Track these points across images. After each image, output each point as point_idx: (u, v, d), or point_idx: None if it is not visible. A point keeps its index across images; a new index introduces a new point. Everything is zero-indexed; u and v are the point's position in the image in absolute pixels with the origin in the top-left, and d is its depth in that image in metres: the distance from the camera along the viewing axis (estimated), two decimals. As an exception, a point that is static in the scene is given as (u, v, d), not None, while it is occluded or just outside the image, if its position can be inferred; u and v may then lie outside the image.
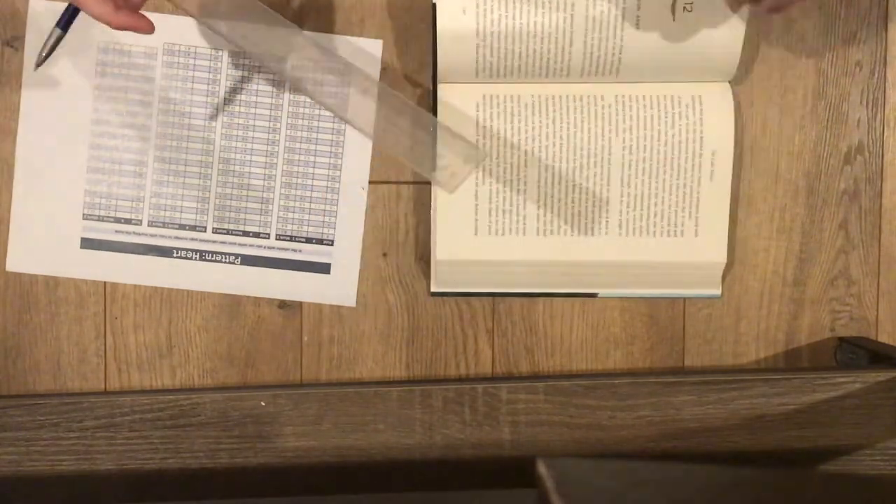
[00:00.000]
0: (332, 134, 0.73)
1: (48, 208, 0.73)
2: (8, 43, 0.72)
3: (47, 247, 0.73)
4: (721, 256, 0.73)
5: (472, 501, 0.72)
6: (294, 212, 0.74)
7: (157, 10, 0.72)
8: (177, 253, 0.73)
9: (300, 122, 0.73)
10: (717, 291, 0.75)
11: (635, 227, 0.72)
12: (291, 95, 0.73)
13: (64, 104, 0.72)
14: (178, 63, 0.73)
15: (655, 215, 0.72)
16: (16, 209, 0.73)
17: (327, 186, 0.74)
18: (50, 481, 0.69)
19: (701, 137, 0.72)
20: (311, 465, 0.69)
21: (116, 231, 0.73)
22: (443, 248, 0.72)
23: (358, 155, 0.74)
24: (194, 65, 0.73)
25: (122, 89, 0.73)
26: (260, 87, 0.73)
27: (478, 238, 0.72)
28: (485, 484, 0.71)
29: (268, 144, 0.73)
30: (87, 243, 0.73)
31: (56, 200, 0.73)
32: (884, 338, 0.76)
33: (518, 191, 0.72)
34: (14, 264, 0.73)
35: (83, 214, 0.73)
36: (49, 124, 0.72)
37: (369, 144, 0.73)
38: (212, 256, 0.73)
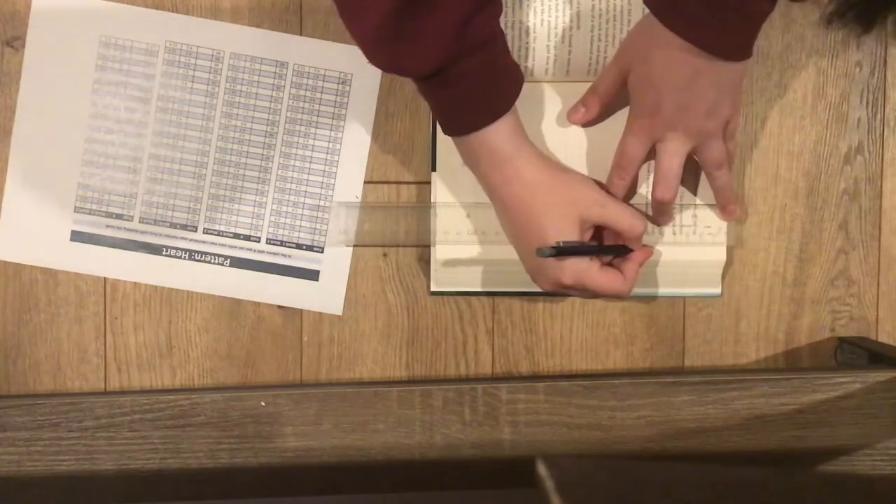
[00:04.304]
0: (328, 142, 0.73)
1: (40, 199, 0.73)
2: (8, 43, 0.72)
3: (37, 238, 0.73)
4: (721, 255, 0.73)
5: (472, 501, 0.72)
6: (286, 217, 0.74)
7: (157, 7, 0.72)
8: (166, 251, 0.73)
9: (297, 127, 0.73)
10: (717, 290, 0.75)
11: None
12: (290, 101, 0.73)
13: (62, 97, 0.72)
14: (179, 62, 0.73)
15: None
16: (8, 199, 0.73)
17: (321, 193, 0.73)
18: (50, 481, 0.69)
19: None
20: (311, 465, 0.69)
21: (107, 226, 0.73)
22: (443, 248, 0.72)
23: (353, 164, 0.73)
24: (195, 65, 0.73)
25: (122, 84, 0.73)
26: (259, 91, 0.73)
27: (477, 237, 0.72)
28: (485, 484, 0.71)
29: (264, 148, 0.73)
30: (78, 236, 0.73)
31: (49, 192, 0.73)
32: (884, 338, 0.76)
33: (518, 191, 0.72)
34: (3, 253, 0.73)
35: (75, 207, 0.73)
36: (46, 116, 0.72)
37: (365, 154, 0.73)
38: (201, 257, 0.73)
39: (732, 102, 0.66)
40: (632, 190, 0.71)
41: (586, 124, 0.71)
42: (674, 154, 0.66)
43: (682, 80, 0.63)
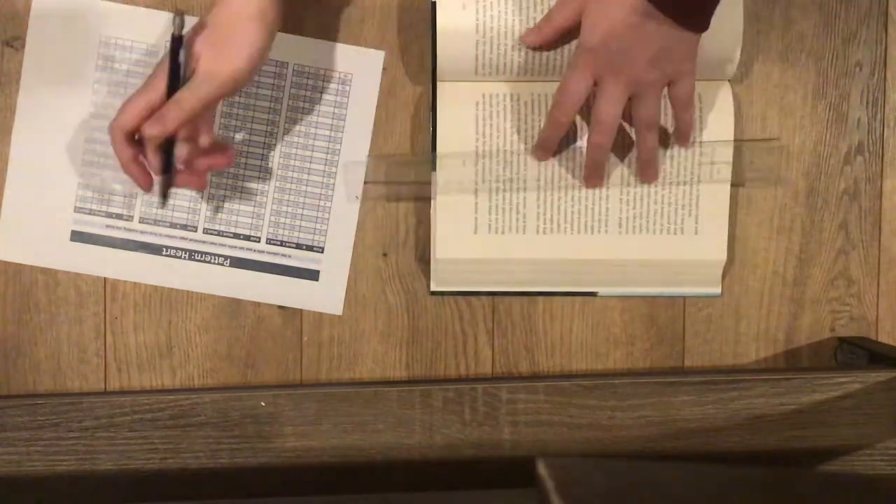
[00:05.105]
0: (329, 142, 0.73)
1: (40, 199, 0.73)
2: (8, 43, 0.72)
3: (37, 238, 0.73)
4: (721, 255, 0.73)
5: (472, 501, 0.72)
6: (286, 217, 0.74)
7: (157, 7, 0.72)
8: (166, 251, 0.73)
9: (297, 127, 0.73)
10: (717, 290, 0.75)
11: (635, 226, 0.72)
12: (290, 101, 0.73)
13: (63, 97, 0.72)
14: (178, 63, 0.73)
15: (655, 213, 0.72)
16: (8, 199, 0.73)
17: (321, 193, 0.73)
18: (50, 481, 0.69)
19: (701, 136, 0.72)
20: (311, 465, 0.69)
21: (107, 226, 0.73)
22: (442, 247, 0.72)
23: (353, 164, 0.73)
24: (194, 65, 0.73)
25: (122, 84, 0.73)
26: (259, 91, 0.73)
27: (477, 236, 0.72)
28: (485, 484, 0.71)
29: (263, 148, 0.73)
30: (78, 236, 0.73)
31: (49, 192, 0.73)
32: (884, 338, 0.76)
33: (517, 189, 0.72)
34: (3, 253, 0.73)
35: (75, 207, 0.73)
36: (46, 116, 0.72)
37: (365, 154, 0.73)
38: (201, 257, 0.73)
39: (679, 61, 0.65)
40: (570, 134, 0.70)
41: (537, 49, 0.70)
42: (610, 100, 0.66)
43: (631, 19, 0.63)
